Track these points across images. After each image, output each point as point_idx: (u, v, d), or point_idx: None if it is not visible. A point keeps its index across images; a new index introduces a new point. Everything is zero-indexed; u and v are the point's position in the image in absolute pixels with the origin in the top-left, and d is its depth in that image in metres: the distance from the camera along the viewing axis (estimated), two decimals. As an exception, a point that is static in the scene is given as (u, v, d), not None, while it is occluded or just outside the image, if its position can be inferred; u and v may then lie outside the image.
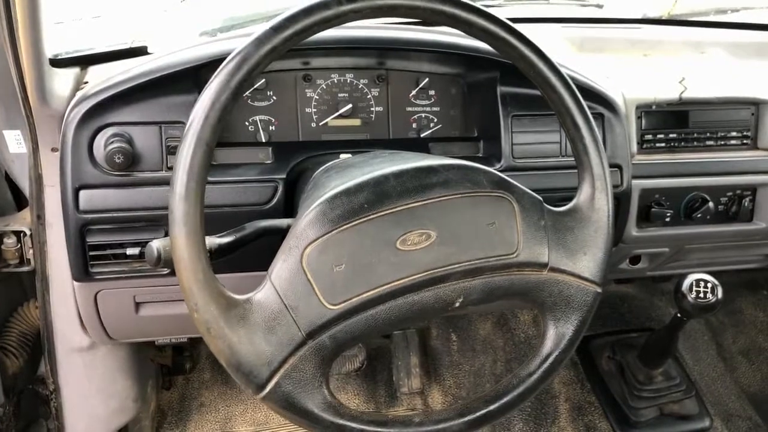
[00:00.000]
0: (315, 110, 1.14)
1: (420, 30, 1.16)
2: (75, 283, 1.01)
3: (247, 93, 1.11)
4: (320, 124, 1.15)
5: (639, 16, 1.66)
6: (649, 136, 1.22)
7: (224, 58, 0.66)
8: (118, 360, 1.27)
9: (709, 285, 1.29)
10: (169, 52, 1.03)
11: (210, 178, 0.99)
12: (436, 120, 1.19)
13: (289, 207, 1.01)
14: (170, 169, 0.95)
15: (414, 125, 1.19)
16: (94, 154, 0.95)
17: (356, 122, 1.16)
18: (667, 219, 1.22)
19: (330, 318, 0.69)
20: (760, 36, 1.55)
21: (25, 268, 1.12)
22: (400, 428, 0.73)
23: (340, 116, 1.15)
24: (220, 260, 0.75)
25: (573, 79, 0.82)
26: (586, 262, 0.80)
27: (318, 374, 0.69)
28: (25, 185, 1.09)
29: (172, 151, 0.97)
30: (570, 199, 0.84)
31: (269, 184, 1.00)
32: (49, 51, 0.94)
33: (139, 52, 1.13)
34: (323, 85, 1.14)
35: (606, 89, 1.15)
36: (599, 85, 1.15)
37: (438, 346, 1.84)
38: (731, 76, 1.34)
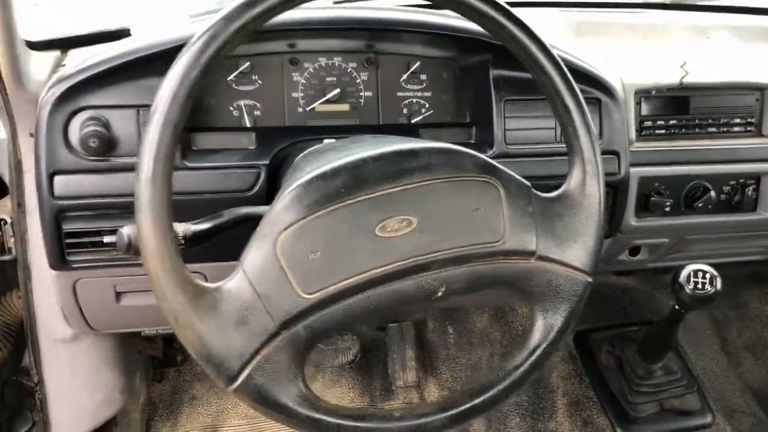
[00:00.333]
0: (302, 95, 1.11)
1: (411, 11, 1.12)
2: (52, 272, 0.99)
3: (231, 77, 1.08)
4: (307, 109, 1.11)
5: (640, 0, 1.62)
6: (649, 123, 1.18)
7: None
8: (103, 351, 1.25)
9: (708, 276, 1.25)
10: (149, 35, 1.00)
11: (190, 164, 0.97)
12: (427, 105, 1.15)
13: (272, 194, 0.96)
14: None
15: (404, 111, 1.15)
16: (69, 138, 0.92)
17: (344, 107, 1.13)
18: (667, 208, 1.18)
19: (305, 307, 0.66)
20: (767, 20, 1.51)
21: (7, 257, 1.09)
22: (379, 423, 0.70)
23: (328, 101, 1.11)
24: (196, 248, 0.73)
25: (567, 62, 0.79)
26: (577, 250, 0.77)
27: (292, 366, 0.66)
28: (5, 172, 1.07)
29: None
30: None
31: (252, 170, 0.97)
32: (29, 34, 0.91)
33: (122, 34, 1.09)
34: (310, 69, 1.11)
35: (603, 73, 1.11)
36: (596, 69, 1.11)
37: (434, 339, 1.81)
38: (735, 61, 1.29)
